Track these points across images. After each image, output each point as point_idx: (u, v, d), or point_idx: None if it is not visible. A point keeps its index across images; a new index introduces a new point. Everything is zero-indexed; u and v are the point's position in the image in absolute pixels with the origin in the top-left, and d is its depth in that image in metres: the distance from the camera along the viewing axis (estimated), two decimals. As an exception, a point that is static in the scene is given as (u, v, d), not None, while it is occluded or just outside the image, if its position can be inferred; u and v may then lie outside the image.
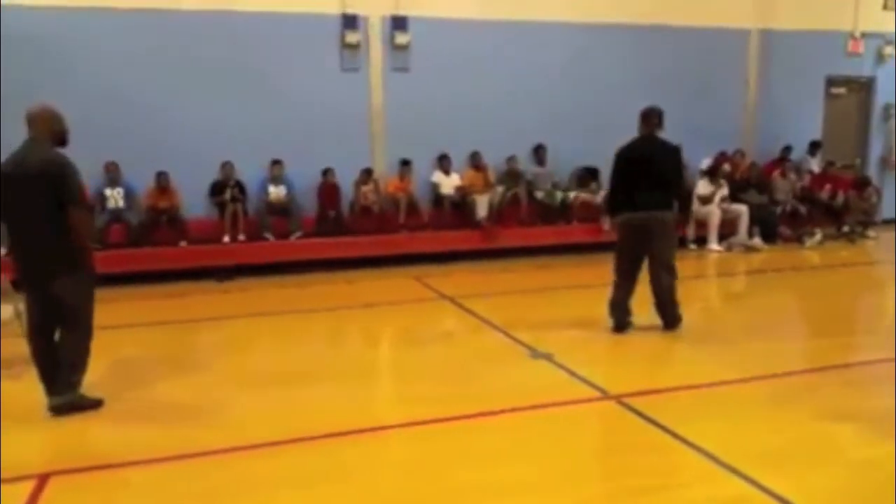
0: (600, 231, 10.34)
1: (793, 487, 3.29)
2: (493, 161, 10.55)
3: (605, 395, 4.63)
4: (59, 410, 4.35)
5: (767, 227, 10.84)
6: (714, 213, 10.51)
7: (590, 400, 4.59)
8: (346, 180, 9.98)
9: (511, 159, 10.55)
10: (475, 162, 10.46)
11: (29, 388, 4.57)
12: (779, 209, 11.10)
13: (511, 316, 6.74)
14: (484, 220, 10.03)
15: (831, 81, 12.61)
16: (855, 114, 13.07)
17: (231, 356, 5.86)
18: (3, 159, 4.34)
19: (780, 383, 4.82)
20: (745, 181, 11.12)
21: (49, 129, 4.33)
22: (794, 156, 11.95)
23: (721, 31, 11.55)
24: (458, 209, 10.24)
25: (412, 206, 10.03)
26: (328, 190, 9.91)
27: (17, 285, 4.59)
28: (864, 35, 12.48)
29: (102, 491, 3.56)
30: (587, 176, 10.84)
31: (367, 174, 9.99)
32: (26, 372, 4.97)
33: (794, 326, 6.91)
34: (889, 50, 12.62)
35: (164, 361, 5.70)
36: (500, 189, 10.35)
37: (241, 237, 9.32)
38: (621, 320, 6.03)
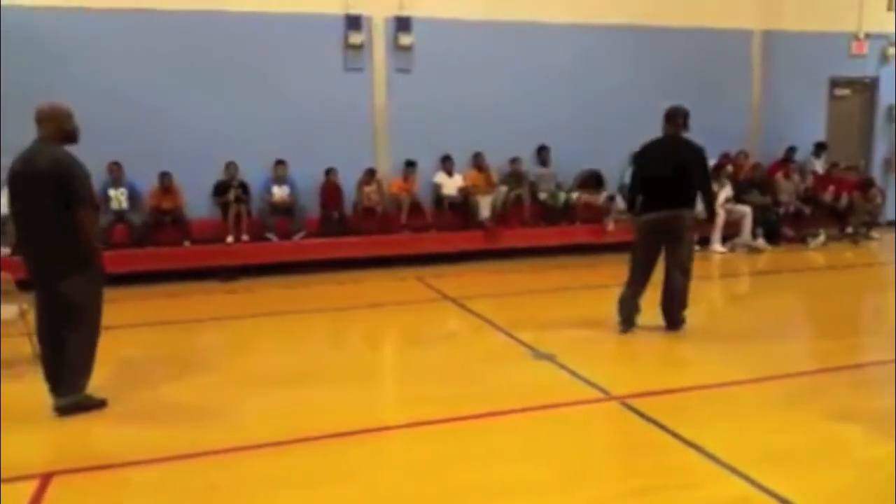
0: (603, 232, 10.37)
1: (797, 488, 3.28)
2: (497, 162, 10.54)
3: (608, 396, 4.62)
4: (63, 411, 4.35)
5: (770, 228, 10.83)
6: (718, 214, 10.49)
7: (592, 401, 4.59)
8: (349, 181, 9.99)
9: (514, 160, 10.54)
10: (478, 163, 10.46)
11: (32, 388, 4.58)
12: (781, 210, 11.08)
13: (514, 316, 6.74)
14: (487, 220, 10.03)
15: (835, 82, 12.58)
16: (859, 115, 13.03)
17: (234, 356, 5.87)
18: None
19: (784, 384, 4.82)
20: (748, 182, 11.10)
21: (59, 128, 4.32)
22: (798, 157, 11.92)
23: (724, 32, 11.53)
24: (457, 210, 10.25)
25: (416, 207, 10.04)
26: (330, 190, 9.92)
27: (27, 285, 4.59)
28: (867, 36, 12.45)
29: (105, 491, 3.56)
30: (591, 180, 10.81)
31: (371, 175, 9.99)
32: (29, 371, 4.99)
33: (798, 327, 6.91)
34: (893, 51, 12.59)
35: (168, 361, 5.71)
36: (503, 190, 10.35)
37: (245, 237, 9.33)
38: (630, 316, 6.00)
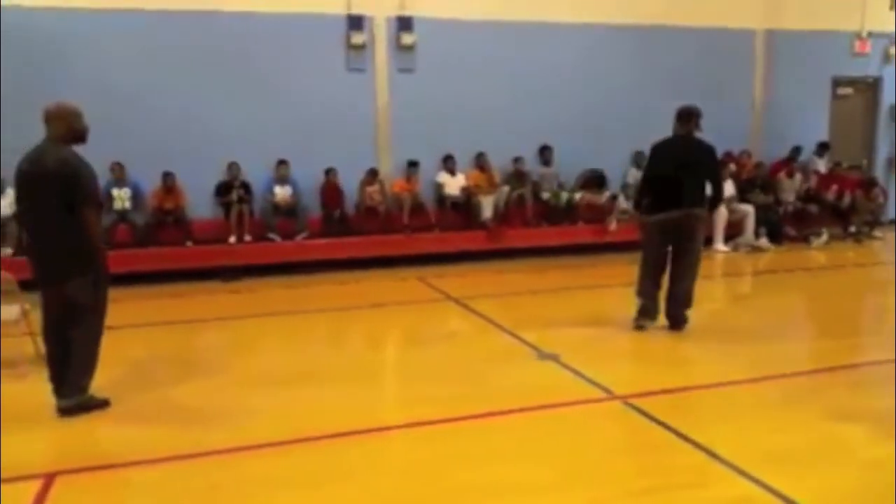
0: (606, 232, 10.36)
1: (799, 488, 3.27)
2: (499, 162, 10.53)
3: (611, 396, 4.61)
4: (67, 412, 4.35)
5: (773, 227, 10.81)
6: (720, 214, 10.46)
7: (596, 400, 4.58)
8: (351, 180, 9.98)
9: (517, 160, 10.53)
10: (480, 162, 10.45)
11: (35, 388, 4.59)
12: (783, 209, 11.06)
13: (517, 316, 6.73)
14: (489, 220, 10.03)
15: (838, 82, 12.56)
16: (861, 114, 13.01)
17: (236, 356, 5.87)
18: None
19: (786, 384, 4.81)
20: (750, 181, 11.09)
21: (67, 127, 4.31)
22: (801, 156, 11.90)
23: (727, 31, 11.52)
24: (459, 210, 10.24)
25: (418, 207, 10.04)
26: (330, 190, 9.92)
27: (28, 285, 4.59)
28: (870, 35, 12.43)
29: (108, 490, 3.56)
30: (594, 180, 10.80)
31: (373, 174, 9.99)
32: (32, 372, 5.00)
33: (801, 327, 6.89)
34: (895, 50, 12.57)
35: (170, 362, 5.71)
36: (505, 190, 10.34)
37: (247, 237, 9.33)
38: (650, 307, 5.96)
